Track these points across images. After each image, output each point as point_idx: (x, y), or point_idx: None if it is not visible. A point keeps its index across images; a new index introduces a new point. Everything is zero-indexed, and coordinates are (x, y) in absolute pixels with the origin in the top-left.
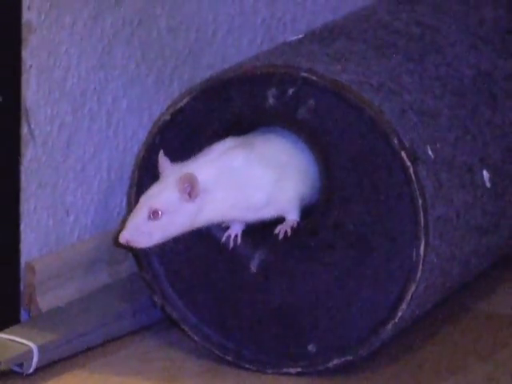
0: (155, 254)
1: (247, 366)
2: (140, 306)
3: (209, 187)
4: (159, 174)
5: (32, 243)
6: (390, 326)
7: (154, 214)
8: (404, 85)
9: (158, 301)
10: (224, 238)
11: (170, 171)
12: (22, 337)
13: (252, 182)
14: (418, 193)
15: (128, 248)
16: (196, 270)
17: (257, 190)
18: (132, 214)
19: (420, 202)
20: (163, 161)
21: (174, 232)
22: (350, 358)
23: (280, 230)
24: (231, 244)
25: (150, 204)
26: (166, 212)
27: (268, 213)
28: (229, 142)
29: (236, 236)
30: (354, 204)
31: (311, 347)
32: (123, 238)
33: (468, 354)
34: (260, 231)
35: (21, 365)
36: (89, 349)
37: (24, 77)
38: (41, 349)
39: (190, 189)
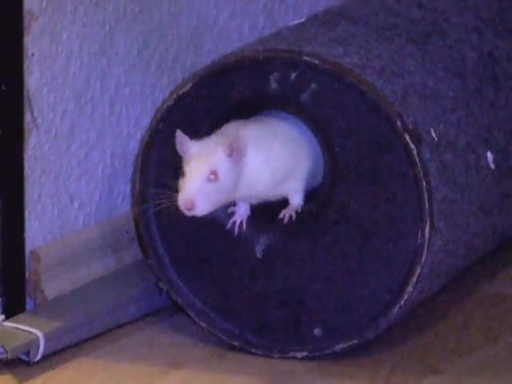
0: (160, 240)
1: (253, 350)
2: (145, 292)
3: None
4: (181, 153)
5: (36, 231)
6: (396, 309)
7: (213, 176)
8: (406, 67)
9: (164, 287)
10: (229, 225)
11: (200, 146)
12: (28, 325)
13: (274, 152)
14: (421, 175)
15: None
16: (201, 255)
17: (279, 161)
18: (188, 178)
19: (424, 184)
20: (184, 139)
21: (224, 197)
22: (356, 341)
23: (284, 214)
24: (236, 230)
25: (209, 165)
26: (222, 174)
27: (279, 191)
28: (238, 123)
29: (241, 222)
30: (358, 187)
31: (317, 331)
32: (186, 200)
33: (475, 336)
34: (264, 216)
35: (27, 353)
36: (95, 336)
37: (26, 64)
38: (47, 336)
39: (236, 152)
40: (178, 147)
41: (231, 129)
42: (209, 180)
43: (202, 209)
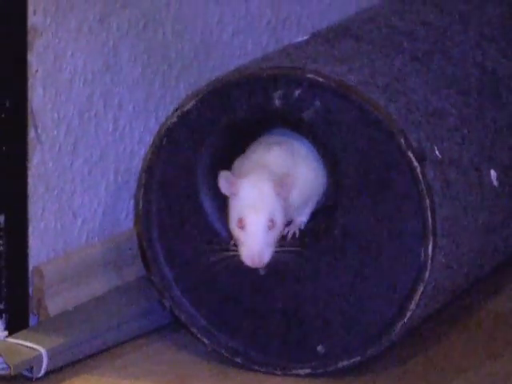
0: (163, 256)
1: (256, 367)
2: (148, 309)
3: None
4: (229, 193)
5: (40, 247)
6: (398, 327)
7: (271, 223)
8: (410, 85)
9: (167, 304)
10: (233, 241)
11: (249, 186)
12: (31, 341)
13: (305, 176)
14: (425, 193)
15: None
16: (204, 272)
17: (306, 185)
18: (249, 232)
19: (428, 201)
20: (232, 178)
21: (278, 238)
22: (359, 358)
23: (288, 231)
24: None
25: (267, 215)
26: (278, 219)
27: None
28: (260, 144)
29: None
30: (362, 205)
31: (320, 348)
32: (253, 258)
33: (477, 353)
34: None
35: (31, 369)
36: (98, 352)
37: (30, 81)
38: (50, 353)
39: (284, 190)
40: (224, 187)
41: (261, 154)
42: (268, 229)
43: (267, 259)
